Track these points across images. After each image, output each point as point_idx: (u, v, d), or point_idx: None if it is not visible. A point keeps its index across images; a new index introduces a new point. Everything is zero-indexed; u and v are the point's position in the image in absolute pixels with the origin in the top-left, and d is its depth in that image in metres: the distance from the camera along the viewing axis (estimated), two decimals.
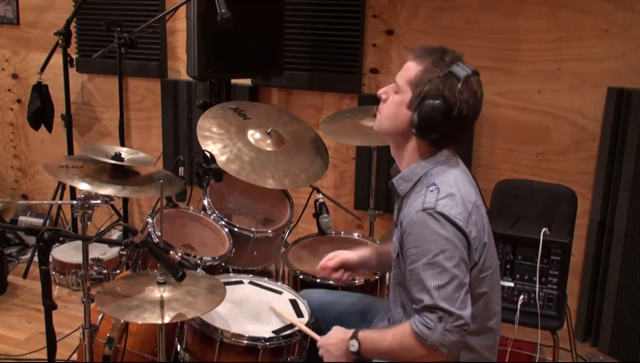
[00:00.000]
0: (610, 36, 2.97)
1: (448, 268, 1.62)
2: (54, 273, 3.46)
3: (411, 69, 1.74)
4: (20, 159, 4.51)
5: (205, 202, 2.67)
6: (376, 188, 3.19)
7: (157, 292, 1.88)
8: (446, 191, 1.69)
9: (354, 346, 1.77)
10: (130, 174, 2.28)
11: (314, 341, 1.99)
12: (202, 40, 2.96)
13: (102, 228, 2.78)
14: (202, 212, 2.66)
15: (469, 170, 1.86)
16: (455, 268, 1.63)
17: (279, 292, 2.26)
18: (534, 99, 3.17)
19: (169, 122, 3.91)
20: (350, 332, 1.81)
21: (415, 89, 1.72)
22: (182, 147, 3.88)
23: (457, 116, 1.70)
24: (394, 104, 1.77)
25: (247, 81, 3.70)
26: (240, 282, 2.30)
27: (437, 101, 1.68)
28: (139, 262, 2.44)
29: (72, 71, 3.94)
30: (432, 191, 1.69)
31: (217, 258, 2.43)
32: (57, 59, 3.80)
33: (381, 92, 1.83)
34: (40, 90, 3.96)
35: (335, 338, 1.84)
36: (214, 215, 2.63)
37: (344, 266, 2.14)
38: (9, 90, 4.40)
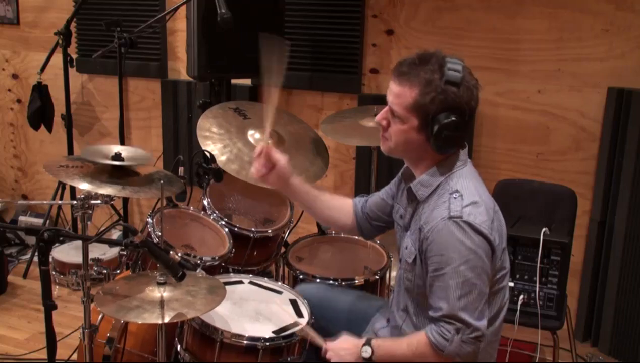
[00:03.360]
0: (610, 36, 2.97)
1: (470, 278, 1.63)
2: (54, 273, 3.46)
3: (405, 95, 1.69)
4: (20, 159, 4.51)
5: (205, 202, 2.67)
6: (376, 188, 3.16)
7: (157, 292, 1.88)
8: (470, 199, 1.69)
9: (366, 352, 1.77)
10: (130, 174, 2.28)
11: (313, 341, 1.99)
12: (202, 40, 2.96)
13: (102, 228, 2.78)
14: (202, 212, 2.66)
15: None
16: (477, 278, 1.64)
17: (279, 292, 2.26)
18: (534, 99, 3.16)
19: (169, 122, 3.91)
20: (363, 339, 1.81)
21: (419, 113, 1.68)
22: (182, 147, 3.88)
23: (468, 118, 1.70)
24: (402, 132, 1.73)
25: (247, 81, 3.69)
26: (240, 282, 2.30)
27: (448, 119, 1.66)
28: (139, 262, 2.44)
29: (72, 71, 3.94)
30: (456, 198, 1.69)
31: (217, 258, 2.43)
32: (57, 59, 3.80)
33: (379, 119, 1.79)
34: (40, 90, 3.96)
35: (347, 342, 1.84)
36: (214, 215, 2.63)
37: (273, 165, 1.97)
38: (9, 90, 4.40)
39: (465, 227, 1.64)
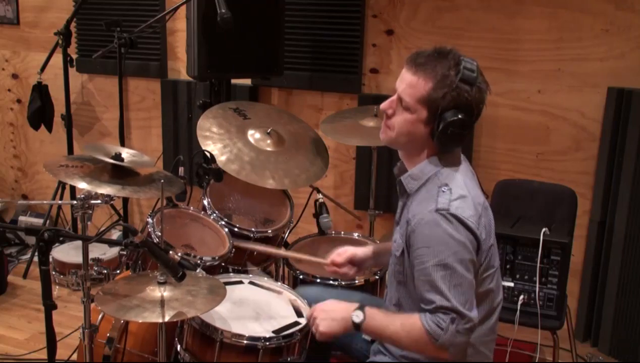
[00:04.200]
0: (610, 36, 2.97)
1: (459, 270, 1.63)
2: (54, 273, 3.46)
3: (419, 86, 1.69)
4: (20, 159, 4.51)
5: (205, 202, 2.67)
6: (376, 188, 3.19)
7: (157, 292, 1.88)
8: (458, 193, 1.69)
9: (357, 317, 1.76)
10: (130, 174, 2.28)
11: (314, 341, 1.99)
12: (202, 40, 2.96)
13: (102, 228, 2.78)
14: (202, 212, 2.66)
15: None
16: (465, 270, 1.64)
17: (279, 292, 2.26)
18: (534, 99, 3.17)
19: (169, 122, 3.91)
20: (356, 303, 1.80)
21: (429, 106, 1.69)
22: (182, 147, 3.88)
23: (475, 118, 1.72)
24: (408, 122, 1.73)
25: (247, 81, 3.70)
26: (240, 282, 2.30)
27: (456, 116, 1.67)
28: (139, 262, 2.44)
29: (72, 71, 3.94)
30: (444, 192, 1.70)
31: (217, 258, 2.43)
32: (57, 59, 3.80)
33: (385, 106, 1.78)
34: (40, 90, 3.96)
35: (337, 304, 1.84)
36: (214, 215, 2.63)
37: (352, 261, 2.15)
38: (9, 90, 4.40)
39: (452, 220, 1.65)
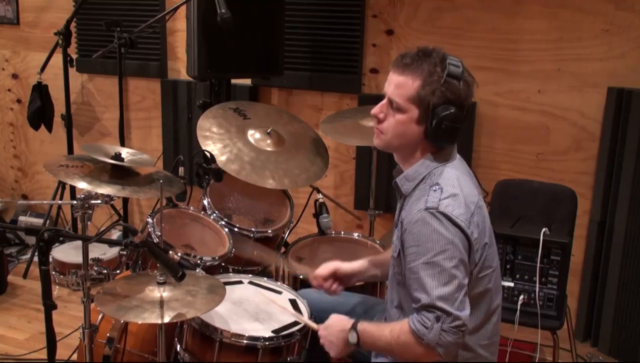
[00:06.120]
0: (610, 36, 2.97)
1: (448, 269, 1.63)
2: (54, 273, 3.46)
3: (407, 85, 1.71)
4: (20, 159, 4.51)
5: (205, 202, 2.67)
6: (376, 188, 3.19)
7: (157, 292, 1.88)
8: (449, 191, 1.69)
9: (352, 337, 1.77)
10: (130, 174, 2.28)
11: (314, 341, 1.99)
12: (202, 40, 2.96)
13: (102, 228, 2.78)
14: (202, 212, 2.66)
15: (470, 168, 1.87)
16: (454, 269, 1.63)
17: (279, 292, 2.26)
18: (534, 99, 3.17)
19: (169, 122, 3.91)
20: (350, 322, 1.80)
21: (420, 104, 1.70)
22: (182, 147, 3.88)
23: (466, 112, 1.73)
24: (400, 123, 1.74)
25: (247, 81, 3.70)
26: (240, 282, 2.31)
27: (448, 111, 1.68)
28: (139, 262, 2.44)
29: (72, 71, 3.95)
30: (435, 191, 1.70)
31: (217, 258, 2.43)
32: (57, 59, 3.80)
33: (376, 111, 1.79)
34: (40, 90, 3.96)
35: (335, 328, 1.83)
36: (214, 215, 2.63)
37: (335, 275, 2.11)
38: (9, 90, 4.40)
39: (441, 218, 1.65)
